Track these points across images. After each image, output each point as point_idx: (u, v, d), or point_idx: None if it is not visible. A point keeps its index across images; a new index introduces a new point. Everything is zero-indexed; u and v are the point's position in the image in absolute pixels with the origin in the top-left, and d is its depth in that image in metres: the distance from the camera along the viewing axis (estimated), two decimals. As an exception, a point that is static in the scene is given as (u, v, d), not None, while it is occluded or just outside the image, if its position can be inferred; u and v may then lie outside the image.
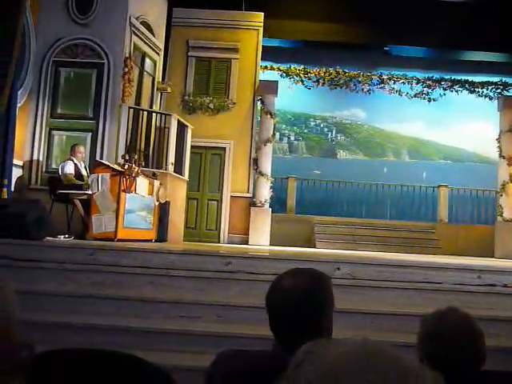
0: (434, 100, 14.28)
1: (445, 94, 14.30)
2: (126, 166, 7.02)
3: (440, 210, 12.75)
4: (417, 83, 14.18)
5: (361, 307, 4.37)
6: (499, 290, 4.87)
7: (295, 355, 0.67)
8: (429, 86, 14.21)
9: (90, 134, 8.38)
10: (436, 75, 14.27)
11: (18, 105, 7.44)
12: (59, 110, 8.51)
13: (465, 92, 14.29)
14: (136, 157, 7.59)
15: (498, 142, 11.95)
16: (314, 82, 13.77)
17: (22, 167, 8.28)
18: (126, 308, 4.33)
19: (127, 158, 7.32)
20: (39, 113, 8.44)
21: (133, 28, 8.78)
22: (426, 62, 14.11)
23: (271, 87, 11.39)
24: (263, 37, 11.57)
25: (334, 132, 16.00)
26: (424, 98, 14.30)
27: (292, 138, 15.96)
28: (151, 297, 4.42)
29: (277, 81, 11.91)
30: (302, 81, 13.73)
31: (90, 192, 6.95)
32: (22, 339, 0.63)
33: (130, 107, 8.53)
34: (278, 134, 12.71)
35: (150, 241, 7.44)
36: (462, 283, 4.89)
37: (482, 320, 2.34)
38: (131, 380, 1.14)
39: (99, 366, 1.15)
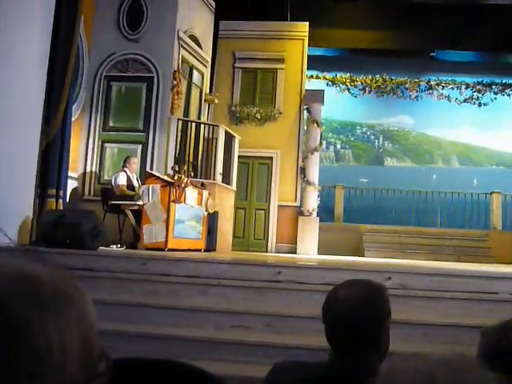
0: (484, 105, 13.99)
1: (496, 99, 13.98)
2: (176, 177, 7.15)
3: (493, 217, 12.39)
4: (466, 88, 13.93)
5: (413, 318, 4.29)
6: (559, 301, 4.68)
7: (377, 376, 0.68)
8: (479, 91, 13.93)
9: (141, 145, 8.59)
10: (486, 79, 13.97)
11: (72, 119, 7.70)
12: (111, 123, 8.76)
13: (517, 95, 13.93)
14: (185, 167, 7.72)
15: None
16: (360, 89, 13.73)
17: (77, 179, 8.56)
18: (178, 317, 4.39)
19: (176, 168, 7.46)
20: (92, 126, 8.72)
21: (181, 42, 8.97)
22: (474, 66, 13.81)
23: (317, 96, 11.37)
24: (308, 46, 11.58)
25: (380, 139, 15.82)
26: (474, 103, 14.03)
27: (338, 146, 15.87)
28: (202, 306, 4.47)
29: (323, 90, 11.88)
30: (349, 89, 13.71)
31: (141, 203, 7.11)
32: (101, 349, 0.66)
33: (178, 119, 8.69)
34: (324, 142, 12.68)
35: (199, 250, 7.53)
36: (519, 294, 4.73)
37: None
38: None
39: (155, 375, 1.18)
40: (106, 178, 8.54)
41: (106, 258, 5.30)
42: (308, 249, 10.69)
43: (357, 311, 1.52)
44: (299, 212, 11.07)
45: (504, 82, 13.89)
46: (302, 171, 11.19)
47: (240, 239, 10.69)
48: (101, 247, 6.06)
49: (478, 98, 13.98)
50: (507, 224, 12.49)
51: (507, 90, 13.91)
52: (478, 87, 13.90)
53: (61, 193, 7.07)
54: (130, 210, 7.30)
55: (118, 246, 7.12)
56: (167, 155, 8.44)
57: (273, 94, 11.29)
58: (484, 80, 13.97)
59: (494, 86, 13.93)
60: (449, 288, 4.77)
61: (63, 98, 6.82)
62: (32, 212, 6.29)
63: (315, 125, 11.29)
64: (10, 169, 5.72)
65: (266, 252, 10.69)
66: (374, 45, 12.66)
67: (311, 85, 12.53)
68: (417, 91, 13.81)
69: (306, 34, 11.48)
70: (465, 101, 13.98)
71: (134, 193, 7.50)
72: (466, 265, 8.11)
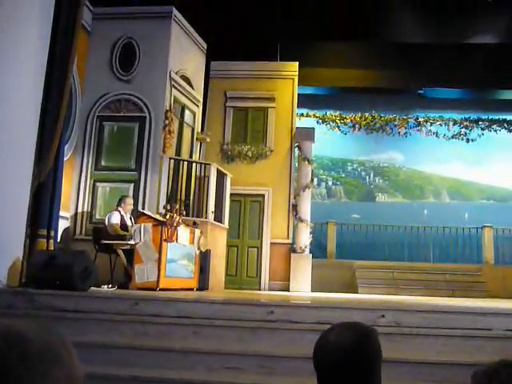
0: (472, 140, 14.19)
1: (483, 134, 14.19)
2: (168, 216, 7.15)
3: (485, 252, 12.42)
4: (454, 124, 14.15)
5: (407, 356, 4.25)
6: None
7: None
8: (466, 127, 14.15)
9: (133, 184, 8.61)
10: (473, 115, 14.22)
11: (64, 159, 7.73)
12: (103, 163, 8.80)
13: (503, 131, 14.16)
14: (177, 206, 7.73)
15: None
16: (349, 127, 13.92)
17: (68, 218, 8.53)
18: (170, 359, 4.33)
19: (168, 207, 7.46)
20: (84, 166, 8.76)
21: (173, 82, 9.10)
22: (461, 103, 14.07)
23: (308, 134, 11.53)
24: (298, 85, 11.80)
25: (371, 176, 15.92)
26: (462, 139, 14.22)
27: (330, 182, 15.94)
28: (195, 347, 4.42)
29: (313, 128, 12.05)
30: (338, 126, 13.89)
31: (132, 242, 7.09)
32: None
33: (170, 158, 8.76)
34: (315, 179, 12.79)
35: (191, 289, 7.48)
36: (513, 330, 4.71)
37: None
38: None
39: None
40: (97, 217, 8.53)
41: (97, 299, 5.25)
42: (301, 286, 10.64)
43: (347, 355, 1.52)
44: (292, 249, 11.06)
45: (490, 117, 14.15)
46: (294, 208, 11.23)
47: (233, 277, 10.63)
48: (92, 287, 6.00)
49: (465, 133, 14.20)
50: (499, 258, 12.52)
51: (494, 126, 14.15)
52: (465, 123, 14.13)
53: (52, 233, 7.02)
54: (122, 249, 7.26)
55: (110, 286, 7.05)
56: (159, 194, 8.47)
57: (264, 133, 11.43)
58: (471, 116, 14.22)
59: (480, 122, 14.17)
60: (442, 325, 4.75)
61: (55, 138, 6.86)
62: (22, 253, 6.25)
63: (306, 162, 11.40)
64: (1, 209, 5.71)
65: (259, 290, 10.62)
66: (363, 83, 12.90)
67: (302, 123, 12.70)
68: (405, 128, 14.02)
69: (296, 73, 11.72)
70: (453, 137, 14.19)
71: (127, 233, 7.48)
72: (459, 300, 8.09)
